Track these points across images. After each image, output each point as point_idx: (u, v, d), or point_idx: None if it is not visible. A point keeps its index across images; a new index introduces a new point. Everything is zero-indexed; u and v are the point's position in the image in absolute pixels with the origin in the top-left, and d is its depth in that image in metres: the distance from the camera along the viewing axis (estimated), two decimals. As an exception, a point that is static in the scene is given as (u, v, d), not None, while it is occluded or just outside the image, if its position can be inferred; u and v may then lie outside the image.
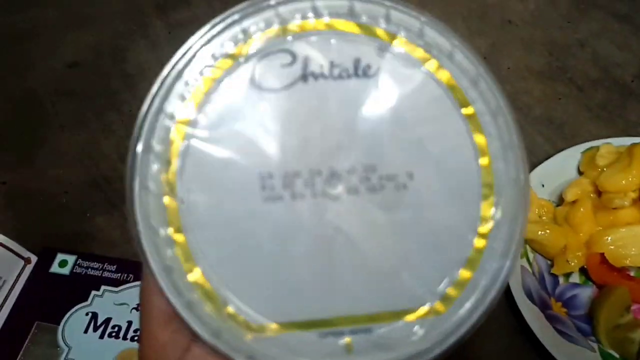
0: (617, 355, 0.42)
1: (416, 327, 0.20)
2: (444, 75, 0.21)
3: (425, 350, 0.20)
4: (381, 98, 0.21)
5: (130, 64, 0.64)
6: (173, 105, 0.20)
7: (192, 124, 0.20)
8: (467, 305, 0.20)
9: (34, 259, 0.45)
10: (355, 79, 0.21)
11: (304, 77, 0.21)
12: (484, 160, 0.21)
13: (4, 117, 0.60)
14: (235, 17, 0.21)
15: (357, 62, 0.21)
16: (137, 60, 0.64)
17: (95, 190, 0.54)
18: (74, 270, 0.43)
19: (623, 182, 0.46)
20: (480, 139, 0.21)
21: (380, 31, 0.21)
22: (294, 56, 0.21)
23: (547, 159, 0.51)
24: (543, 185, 0.50)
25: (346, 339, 0.20)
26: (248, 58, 0.21)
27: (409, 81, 0.21)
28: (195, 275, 0.20)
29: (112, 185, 0.54)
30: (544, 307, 0.44)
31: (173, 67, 0.21)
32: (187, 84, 0.21)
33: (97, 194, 0.54)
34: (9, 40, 0.67)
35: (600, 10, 0.66)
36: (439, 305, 0.20)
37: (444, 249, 0.21)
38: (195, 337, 0.20)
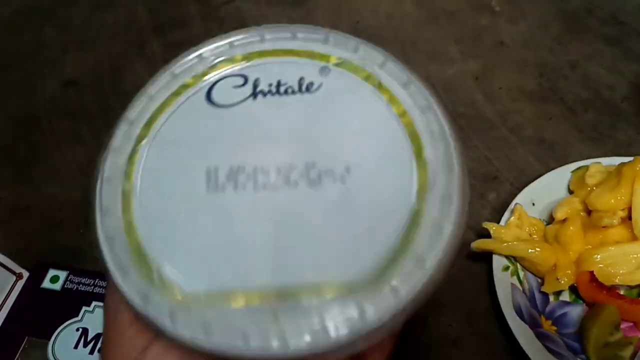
0: (607, 374, 0.42)
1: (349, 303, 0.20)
2: (375, 81, 0.24)
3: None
4: (322, 107, 0.24)
5: (127, 82, 0.65)
6: (135, 114, 0.25)
7: (153, 129, 0.24)
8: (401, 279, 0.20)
9: (25, 274, 0.45)
10: (300, 95, 0.24)
11: (254, 95, 0.24)
12: (417, 152, 0.23)
13: (2, 134, 0.61)
14: (201, 50, 0.26)
15: (301, 81, 0.25)
16: (133, 79, 0.65)
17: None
18: (65, 286, 0.43)
19: (612, 201, 0.46)
20: (413, 132, 0.23)
21: (318, 54, 0.25)
22: (245, 79, 0.25)
23: (537, 178, 0.52)
24: (533, 204, 0.51)
25: (273, 309, 0.20)
26: (207, 81, 0.25)
27: (348, 91, 0.24)
28: (132, 242, 0.22)
29: (106, 202, 0.55)
30: (534, 325, 0.44)
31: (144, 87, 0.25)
32: (151, 98, 0.25)
33: (92, 211, 0.54)
34: (10, 59, 0.68)
35: (590, 34, 0.67)
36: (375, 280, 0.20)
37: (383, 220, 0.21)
38: (128, 306, 0.20)
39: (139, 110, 0.25)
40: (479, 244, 0.48)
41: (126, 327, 0.22)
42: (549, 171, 0.53)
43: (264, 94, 0.24)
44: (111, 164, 0.23)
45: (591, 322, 0.43)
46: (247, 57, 0.25)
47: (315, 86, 0.24)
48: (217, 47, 0.26)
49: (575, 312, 0.46)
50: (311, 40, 0.25)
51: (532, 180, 0.52)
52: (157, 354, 0.21)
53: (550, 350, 0.43)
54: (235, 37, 0.26)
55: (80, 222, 0.54)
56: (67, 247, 0.52)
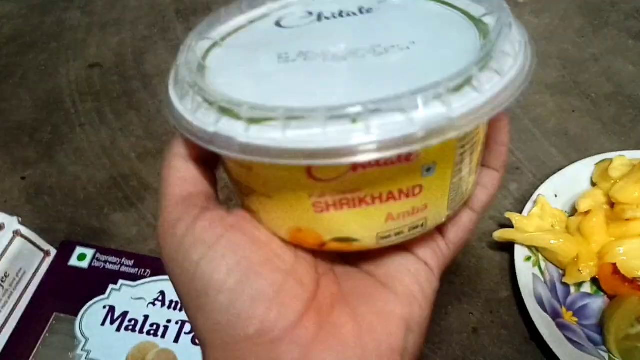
0: (627, 365, 0.43)
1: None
2: None
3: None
4: (384, 16, 0.26)
5: (150, 66, 0.65)
6: (210, 31, 0.26)
7: (227, 41, 0.26)
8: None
9: (53, 251, 0.46)
10: (360, 16, 0.27)
11: (318, 19, 0.27)
12: (482, 35, 0.23)
13: (27, 114, 0.62)
14: None
15: (361, 8, 0.27)
16: (157, 62, 0.65)
17: (113, 188, 0.55)
18: (92, 264, 0.44)
19: (636, 194, 0.46)
20: (481, 25, 0.24)
21: None
22: (310, 12, 0.27)
23: (559, 169, 0.52)
24: (556, 196, 0.51)
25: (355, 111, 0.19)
26: (276, 14, 0.28)
27: (410, 5, 0.27)
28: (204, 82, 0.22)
29: (129, 183, 0.55)
30: (555, 315, 0.45)
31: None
32: (224, 23, 0.27)
33: (115, 192, 0.55)
34: (36, 41, 0.69)
35: (613, 27, 0.67)
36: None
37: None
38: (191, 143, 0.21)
39: (213, 27, 0.27)
40: (501, 234, 0.48)
41: (179, 199, 0.22)
42: (571, 163, 0.53)
43: (328, 18, 0.27)
44: (186, 59, 0.23)
45: (612, 313, 0.44)
46: None
47: (374, 9, 0.27)
48: None
49: (597, 304, 0.46)
50: None
51: (554, 172, 0.52)
52: (205, 224, 0.22)
53: (570, 341, 0.43)
54: None
55: (104, 203, 0.54)
56: (91, 227, 0.52)
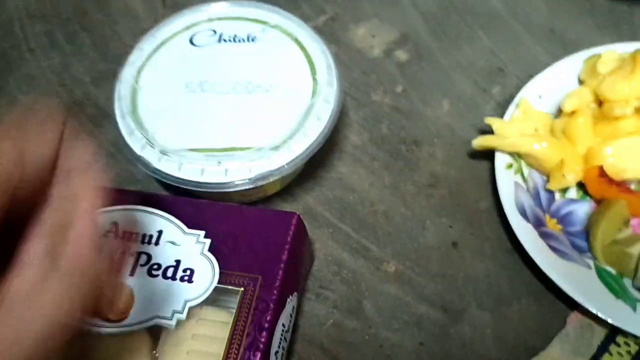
0: (613, 272, 0.40)
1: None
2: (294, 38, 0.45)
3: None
4: (263, 47, 0.45)
5: (102, -17, 0.60)
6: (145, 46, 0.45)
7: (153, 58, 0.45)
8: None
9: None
10: (247, 44, 0.45)
11: (219, 40, 0.45)
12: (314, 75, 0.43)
13: (-29, 42, 0.57)
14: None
15: (249, 35, 0.45)
16: (110, -21, 0.60)
17: (68, 117, 0.52)
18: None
19: (625, 89, 0.43)
20: (312, 64, 0.43)
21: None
22: (214, 31, 0.45)
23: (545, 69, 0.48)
24: (540, 97, 0.47)
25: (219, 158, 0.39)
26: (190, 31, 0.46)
27: (279, 43, 0.45)
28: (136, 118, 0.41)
29: (85, 110, 0.52)
30: (538, 224, 0.42)
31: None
32: (141, 50, 0.45)
33: (71, 119, 0.51)
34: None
35: None
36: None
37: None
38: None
39: (146, 44, 0.45)
40: (480, 142, 0.45)
41: None
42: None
43: (226, 41, 0.45)
44: (126, 72, 0.43)
45: (599, 218, 0.41)
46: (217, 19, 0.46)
47: (257, 38, 0.45)
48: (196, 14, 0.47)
49: (583, 209, 0.44)
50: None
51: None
52: None
53: (554, 250, 0.41)
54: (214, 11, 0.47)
55: (59, 132, 0.51)
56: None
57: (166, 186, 0.45)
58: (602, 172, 0.42)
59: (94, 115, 0.51)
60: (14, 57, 0.55)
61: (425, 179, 0.47)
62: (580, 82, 0.48)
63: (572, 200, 0.44)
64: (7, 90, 0.53)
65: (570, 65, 0.48)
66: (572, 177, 0.42)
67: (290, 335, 0.38)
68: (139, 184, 0.47)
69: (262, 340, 0.33)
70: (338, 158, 0.48)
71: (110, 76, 0.51)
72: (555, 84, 0.48)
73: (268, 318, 0.34)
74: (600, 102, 0.45)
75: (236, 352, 0.33)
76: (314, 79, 0.42)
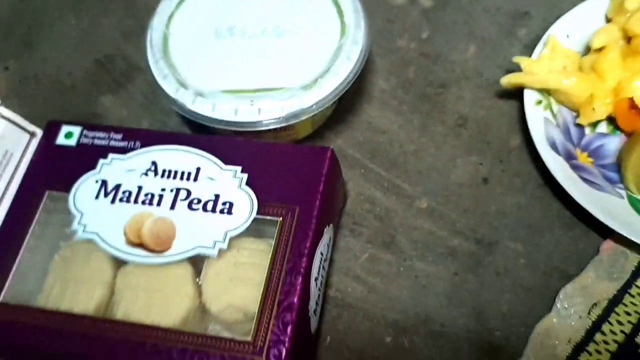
0: (646, 201, 0.41)
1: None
2: None
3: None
4: None
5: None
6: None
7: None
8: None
9: (39, 132, 0.44)
10: None
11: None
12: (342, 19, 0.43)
13: (3, 7, 0.58)
14: None
15: None
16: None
17: (99, 71, 0.53)
18: (81, 141, 0.42)
19: (655, 23, 0.43)
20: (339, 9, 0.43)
21: None
22: None
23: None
24: (568, 36, 0.47)
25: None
26: None
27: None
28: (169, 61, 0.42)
29: (116, 64, 0.53)
30: (569, 157, 0.42)
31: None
32: None
33: (102, 75, 0.52)
34: None
35: None
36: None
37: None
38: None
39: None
40: (509, 79, 0.45)
41: None
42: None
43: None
44: (157, 20, 0.44)
45: (631, 149, 0.41)
46: None
47: None
48: None
49: (613, 143, 0.44)
50: None
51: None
52: None
53: (586, 181, 0.41)
54: None
55: (92, 87, 0.52)
56: (81, 111, 0.50)
57: (199, 133, 0.46)
58: (632, 104, 0.42)
59: (125, 69, 0.52)
60: (44, 18, 0.56)
61: (454, 119, 0.47)
62: (608, 20, 0.47)
63: (603, 134, 0.44)
64: (39, 49, 0.54)
65: (598, 4, 0.48)
66: (602, 110, 0.43)
67: (328, 268, 0.39)
68: (171, 132, 0.48)
69: (303, 265, 0.34)
70: (367, 102, 0.48)
71: (138, 31, 0.52)
72: (582, 22, 0.47)
73: (307, 244, 0.34)
74: (628, 39, 0.45)
75: (278, 276, 0.34)
76: (342, 22, 0.42)
